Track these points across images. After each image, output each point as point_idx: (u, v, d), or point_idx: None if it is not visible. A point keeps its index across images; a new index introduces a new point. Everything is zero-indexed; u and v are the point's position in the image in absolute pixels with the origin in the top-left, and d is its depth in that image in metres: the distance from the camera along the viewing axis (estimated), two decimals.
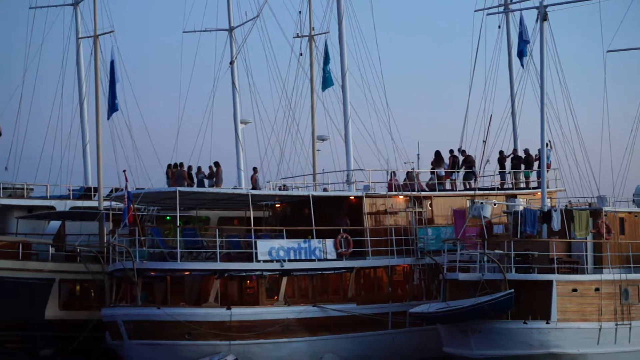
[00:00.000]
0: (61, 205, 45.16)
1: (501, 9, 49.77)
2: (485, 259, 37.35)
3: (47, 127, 50.26)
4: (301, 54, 52.16)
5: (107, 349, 37.32)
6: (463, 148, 47.83)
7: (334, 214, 41.20)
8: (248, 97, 48.95)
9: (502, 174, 48.42)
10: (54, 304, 38.84)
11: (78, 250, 41.12)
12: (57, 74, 49.45)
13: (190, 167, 45.48)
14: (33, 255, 40.20)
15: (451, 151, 47.75)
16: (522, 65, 46.40)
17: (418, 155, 46.92)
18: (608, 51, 49.52)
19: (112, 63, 43.95)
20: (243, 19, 48.57)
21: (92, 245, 41.40)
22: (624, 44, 50.98)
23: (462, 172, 47.53)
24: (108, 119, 44.68)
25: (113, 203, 41.85)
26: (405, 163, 47.43)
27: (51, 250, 41.20)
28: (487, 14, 49.18)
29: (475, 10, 49.34)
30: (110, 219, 41.05)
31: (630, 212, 42.44)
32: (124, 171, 41.65)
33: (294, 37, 52.69)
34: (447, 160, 47.67)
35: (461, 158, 47.63)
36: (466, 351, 36.50)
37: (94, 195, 44.59)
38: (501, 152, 48.75)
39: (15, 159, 45.89)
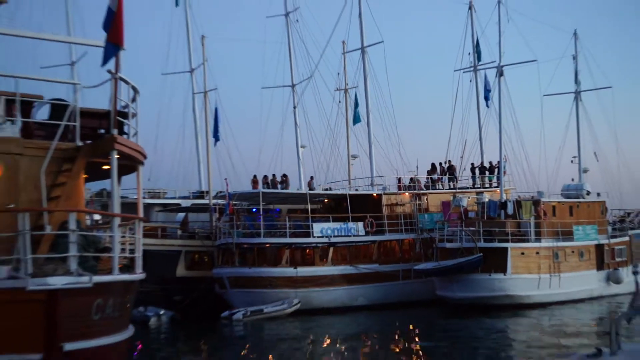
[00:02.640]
0: (185, 203, 46.24)
1: (472, 69, 50.79)
2: (463, 233, 38.41)
3: (175, 150, 51.70)
4: (339, 101, 53.64)
5: (216, 295, 38.33)
6: (448, 160, 49.11)
7: (362, 206, 42.15)
8: (305, 130, 50.21)
9: (474, 178, 49.32)
10: (182, 267, 39.86)
11: (196, 232, 42.41)
12: (181, 117, 50.79)
13: (265, 177, 46.58)
14: (167, 235, 41.35)
15: (440, 163, 48.77)
16: (487, 105, 47.14)
17: (417, 166, 47.82)
18: (544, 95, 50.78)
19: (216, 109, 45.32)
20: (301, 78, 49.62)
21: (205, 228, 42.45)
22: (556, 89, 52.27)
23: (446, 177, 48.55)
24: (215, 145, 46.01)
25: (218, 200, 43.35)
26: (409, 172, 48.34)
27: (179, 232, 42.55)
28: (463, 72, 50.97)
29: (454, 70, 50.90)
30: (216, 211, 42.35)
31: (559, 202, 43.32)
32: (225, 179, 43.36)
33: (334, 90, 53.80)
34: (438, 169, 48.68)
35: (446, 167, 48.81)
36: (451, 294, 37.79)
37: (206, 196, 45.49)
38: (472, 164, 49.79)
39: (154, 172, 46.91)
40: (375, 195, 44.33)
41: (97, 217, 17.98)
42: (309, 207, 41.40)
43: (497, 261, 37.31)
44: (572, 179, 48.35)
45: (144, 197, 30.30)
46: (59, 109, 14.42)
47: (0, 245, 12.30)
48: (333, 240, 39.78)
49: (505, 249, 37.71)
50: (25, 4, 34.37)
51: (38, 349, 10.86)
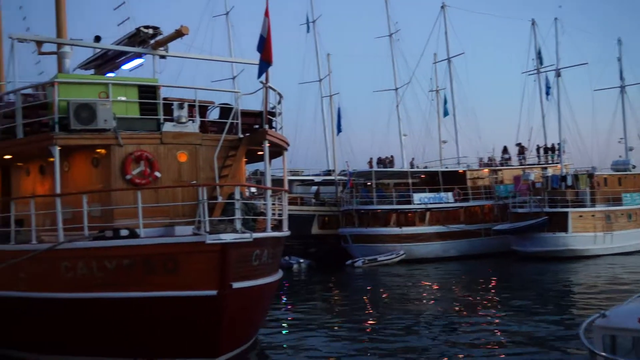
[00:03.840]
0: (317, 179, 46.79)
1: (535, 71, 49.32)
2: (532, 201, 36.98)
3: (309, 139, 52.57)
4: (432, 100, 53.05)
5: (340, 248, 38.72)
6: (519, 142, 47.94)
7: (451, 180, 41.42)
8: (406, 122, 50.24)
9: (539, 156, 47.53)
10: (315, 227, 40.31)
11: (326, 200, 42.88)
12: (313, 115, 51.21)
13: (379, 158, 46.55)
14: (304, 203, 41.99)
15: (515, 144, 47.75)
16: (547, 99, 45.47)
17: (493, 148, 46.86)
18: (595, 90, 49.58)
19: (339, 109, 45.75)
20: (402, 83, 49.30)
21: (332, 198, 42.91)
22: (604, 85, 50.42)
23: (517, 156, 47.30)
24: (337, 135, 46.48)
25: (341, 177, 43.58)
26: (487, 152, 47.35)
27: (313, 200, 43.10)
28: (528, 74, 49.85)
29: (522, 72, 49.93)
30: (340, 185, 42.69)
31: (609, 174, 41.12)
32: (347, 162, 43.71)
33: (428, 91, 53.00)
34: (511, 151, 47.41)
35: (517, 148, 47.43)
36: (523, 248, 36.42)
37: (332, 173, 45.88)
38: (537, 145, 47.96)
39: (294, 156, 47.35)
40: (461, 171, 43.30)
41: (253, 190, 18.30)
42: (410, 181, 40.96)
43: (559, 223, 35.61)
44: (620, 156, 46.10)
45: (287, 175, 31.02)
46: (226, 110, 14.72)
47: (187, 211, 12.75)
48: (429, 206, 39.17)
49: (566, 213, 35.93)
50: (197, 34, 35.32)
51: (214, 287, 11.14)
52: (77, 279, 11.59)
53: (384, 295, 23.93)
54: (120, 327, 11.46)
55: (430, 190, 40.51)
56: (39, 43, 14.51)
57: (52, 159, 12.64)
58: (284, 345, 14.89)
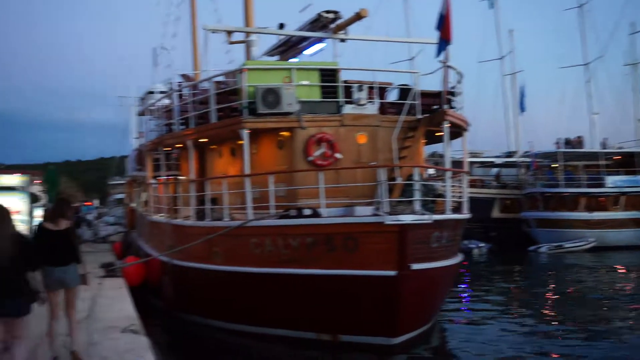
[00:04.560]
0: (498, 160, 45.23)
1: None
2: None
3: (488, 120, 50.63)
4: (626, 74, 48.74)
5: (522, 232, 37.27)
6: None
7: None
8: (597, 99, 46.69)
9: None
10: (496, 210, 39.17)
11: (507, 183, 41.51)
12: (492, 94, 49.66)
13: (566, 139, 43.89)
14: (484, 186, 40.91)
15: None
16: None
17: None
18: None
19: (522, 87, 43.83)
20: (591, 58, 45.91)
21: (514, 180, 41.44)
22: None
23: None
24: (521, 114, 44.66)
25: (524, 158, 41.73)
26: None
27: (493, 183, 41.81)
28: None
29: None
30: (523, 167, 41.01)
31: None
32: (530, 142, 41.80)
33: (622, 65, 48.86)
34: None
35: None
36: None
37: (514, 155, 44.24)
38: None
39: (473, 137, 46.11)
40: None
41: (430, 171, 18.09)
42: (602, 162, 37.94)
43: None
44: None
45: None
46: (404, 91, 14.67)
47: (366, 192, 12.95)
48: (624, 190, 36.08)
49: None
50: (374, 16, 35.46)
51: (393, 267, 11.19)
52: (264, 254, 12.28)
53: (570, 288, 22.31)
54: (303, 302, 11.96)
55: (627, 173, 37.29)
56: (229, 33, 15.50)
57: (241, 142, 13.49)
58: (461, 331, 14.61)
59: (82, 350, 8.07)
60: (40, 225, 7.95)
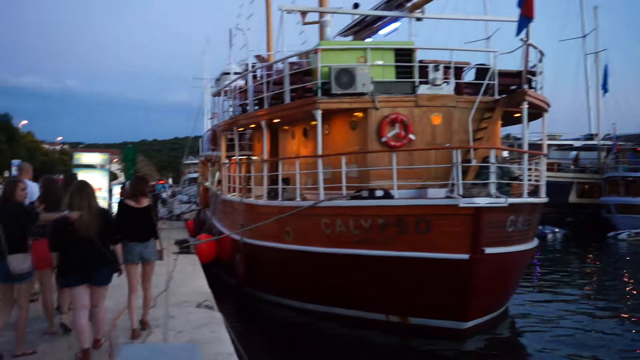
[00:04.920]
0: (577, 143, 43.69)
1: None
2: None
3: (568, 100, 48.58)
4: None
5: (600, 218, 35.99)
6: None
7: None
8: None
9: None
10: (573, 194, 37.96)
11: (586, 167, 40.14)
12: (573, 74, 47.74)
13: None
14: (562, 170, 39.67)
15: None
16: None
17: None
18: None
19: (606, 66, 42.08)
20: None
21: (594, 164, 40.00)
22: None
23: None
24: (603, 96, 42.94)
25: (605, 142, 40.11)
26: None
27: (571, 167, 40.46)
28: None
29: None
30: (604, 150, 39.50)
31: None
32: (613, 124, 40.10)
33: None
34: None
35: None
36: None
37: (595, 137, 42.60)
38: None
39: (551, 119, 44.87)
40: None
41: (505, 154, 17.65)
42: None
43: None
44: None
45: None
46: (482, 71, 14.32)
47: (440, 174, 12.77)
48: None
49: None
50: None
51: (466, 251, 11.00)
52: (335, 235, 12.32)
53: None
54: (373, 283, 11.95)
55: None
56: (304, 13, 15.52)
57: (314, 122, 13.53)
58: (534, 318, 14.23)
59: (160, 324, 8.37)
60: (122, 202, 8.25)
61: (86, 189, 6.99)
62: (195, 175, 49.69)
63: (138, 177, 9.04)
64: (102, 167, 20.83)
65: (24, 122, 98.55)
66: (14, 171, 48.25)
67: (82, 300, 6.77)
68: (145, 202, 8.17)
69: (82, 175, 13.46)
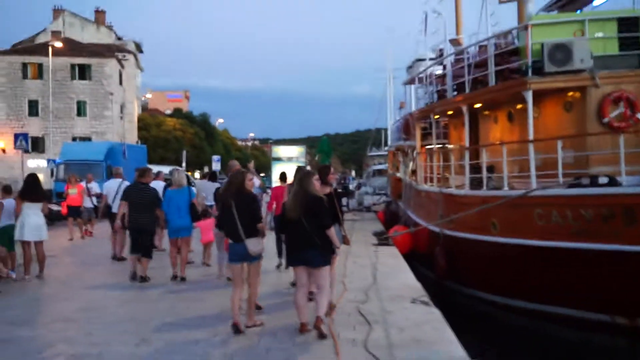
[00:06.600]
0: None
1: None
2: None
3: None
4: None
5: None
6: None
7: None
8: None
9: None
10: None
11: None
12: None
13: None
14: None
15: None
16: None
17: None
18: None
19: None
20: None
21: None
22: None
23: None
24: None
25: None
26: None
27: None
28: None
29: None
30: None
31: None
32: None
33: None
34: None
35: None
36: None
37: None
38: None
39: None
40: None
41: None
42: None
43: None
44: None
45: None
46: None
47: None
48: None
49: None
50: None
51: None
52: (550, 226, 11.40)
53: None
54: (595, 280, 10.90)
55: None
56: None
57: (520, 106, 12.64)
58: None
59: (378, 319, 8.18)
60: None
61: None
62: (381, 166, 49.95)
63: (322, 166, 9.33)
64: (297, 159, 21.49)
65: (220, 120, 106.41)
66: (214, 166, 52.08)
67: (300, 279, 7.48)
68: (328, 189, 8.41)
69: (281, 167, 13.89)
